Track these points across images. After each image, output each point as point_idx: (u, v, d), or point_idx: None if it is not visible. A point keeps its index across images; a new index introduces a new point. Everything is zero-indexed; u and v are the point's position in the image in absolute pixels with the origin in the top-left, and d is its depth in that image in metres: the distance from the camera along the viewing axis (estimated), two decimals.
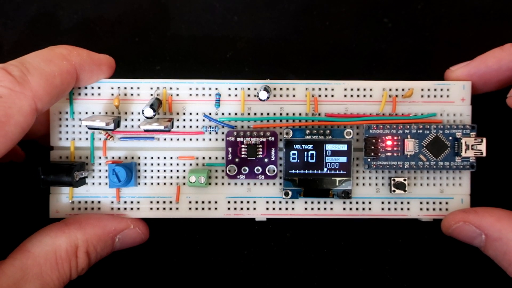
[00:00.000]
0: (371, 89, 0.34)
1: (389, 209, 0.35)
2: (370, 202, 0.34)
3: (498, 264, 0.32)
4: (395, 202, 0.35)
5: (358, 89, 0.34)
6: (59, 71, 0.30)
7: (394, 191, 0.34)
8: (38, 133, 0.34)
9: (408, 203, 0.35)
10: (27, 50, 0.37)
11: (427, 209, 0.35)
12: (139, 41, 0.39)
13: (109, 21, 0.38)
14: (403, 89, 0.34)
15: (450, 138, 0.33)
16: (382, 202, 0.35)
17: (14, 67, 0.28)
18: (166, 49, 0.38)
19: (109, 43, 0.34)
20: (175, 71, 0.38)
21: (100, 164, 0.34)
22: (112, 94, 0.34)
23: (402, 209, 0.35)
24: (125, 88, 0.34)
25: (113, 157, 0.34)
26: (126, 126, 0.34)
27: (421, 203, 0.35)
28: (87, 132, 0.34)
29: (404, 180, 0.34)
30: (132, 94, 0.34)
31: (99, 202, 0.34)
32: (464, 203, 0.34)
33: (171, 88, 0.34)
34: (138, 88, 0.34)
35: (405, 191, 0.34)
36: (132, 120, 0.34)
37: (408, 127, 0.33)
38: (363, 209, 0.34)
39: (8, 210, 0.37)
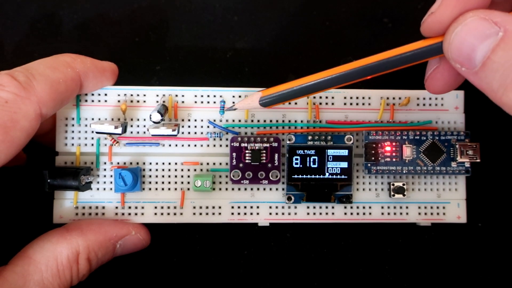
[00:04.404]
0: (369, 98, 0.35)
1: (388, 213, 0.35)
2: (370, 207, 0.35)
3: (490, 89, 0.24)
4: (394, 207, 0.35)
5: (357, 97, 0.35)
6: (63, 78, 0.30)
7: (393, 195, 0.35)
8: (38, 132, 0.34)
9: (407, 207, 0.35)
10: (28, 50, 0.38)
11: (425, 214, 0.35)
12: (139, 41, 0.39)
13: (109, 21, 0.39)
14: (399, 98, 0.36)
15: (446, 144, 0.35)
16: (382, 207, 0.35)
17: (20, 73, 0.29)
18: (166, 49, 0.39)
19: (109, 43, 0.34)
20: (175, 71, 0.38)
21: (105, 169, 0.34)
22: (119, 101, 0.34)
23: (401, 213, 0.35)
24: (131, 95, 0.34)
25: (118, 163, 0.34)
26: (131, 132, 0.34)
27: (419, 207, 0.36)
28: (92, 138, 0.34)
29: (403, 185, 0.35)
30: (138, 101, 0.34)
31: (103, 207, 0.34)
32: (461, 208, 0.36)
33: (176, 95, 0.35)
34: (144, 95, 0.34)
35: (404, 195, 0.35)
36: (138, 126, 0.34)
37: (406, 133, 0.35)
38: (364, 213, 0.35)
39: (10, 214, 0.37)
